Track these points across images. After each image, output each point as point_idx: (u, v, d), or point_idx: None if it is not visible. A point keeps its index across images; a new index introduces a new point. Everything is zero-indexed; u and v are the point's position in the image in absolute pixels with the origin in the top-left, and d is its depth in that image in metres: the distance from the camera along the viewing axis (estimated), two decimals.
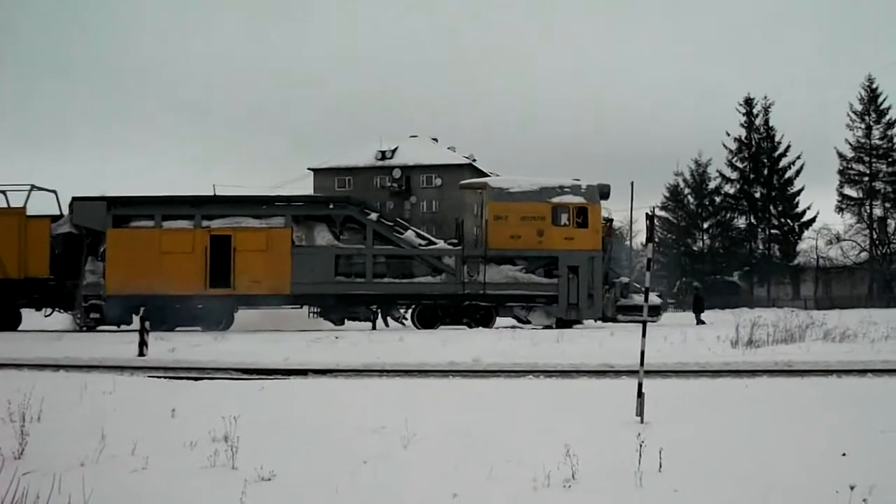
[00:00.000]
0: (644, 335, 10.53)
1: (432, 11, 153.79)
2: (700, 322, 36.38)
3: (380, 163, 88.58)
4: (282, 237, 31.39)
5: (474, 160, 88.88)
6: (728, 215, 75.92)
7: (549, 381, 14.68)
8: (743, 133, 74.44)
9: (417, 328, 31.22)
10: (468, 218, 35.09)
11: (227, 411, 9.05)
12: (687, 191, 77.03)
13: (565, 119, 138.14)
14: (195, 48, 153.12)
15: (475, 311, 31.83)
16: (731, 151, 74.46)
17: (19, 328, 31.85)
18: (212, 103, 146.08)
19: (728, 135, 74.25)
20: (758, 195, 74.05)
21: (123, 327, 30.95)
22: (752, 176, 74.08)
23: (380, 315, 32.26)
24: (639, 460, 7.17)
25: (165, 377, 15.64)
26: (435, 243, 33.29)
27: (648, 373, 10.82)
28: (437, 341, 22.80)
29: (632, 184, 70.59)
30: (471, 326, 31.13)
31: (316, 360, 18.14)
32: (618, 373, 15.37)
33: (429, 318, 31.98)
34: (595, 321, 32.53)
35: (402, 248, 32.17)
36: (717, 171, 75.26)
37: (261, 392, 12.99)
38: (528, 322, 31.99)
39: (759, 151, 74.26)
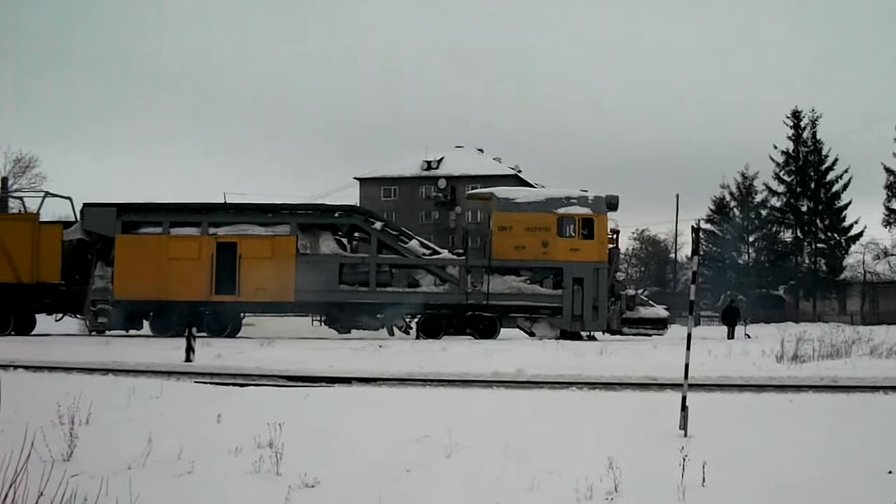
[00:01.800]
0: (688, 348, 10.47)
1: (476, 20, 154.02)
2: (732, 336, 35.66)
3: (425, 173, 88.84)
4: (286, 245, 31.49)
5: (520, 171, 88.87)
6: (774, 229, 75.23)
7: (593, 392, 14.65)
8: (790, 146, 73.75)
9: (422, 338, 31.11)
10: (474, 228, 34.82)
11: (272, 418, 9.11)
12: (733, 204, 76.48)
13: (612, 130, 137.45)
14: (240, 54, 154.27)
15: (479, 321, 31.70)
16: (777, 164, 73.79)
17: (33, 332, 32.38)
18: (257, 110, 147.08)
19: (775, 148, 73.65)
20: (804, 209, 73.29)
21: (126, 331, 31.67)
22: (798, 189, 73.34)
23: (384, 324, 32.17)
24: (682, 474, 7.14)
25: (211, 383, 15.76)
26: (439, 253, 33.36)
27: (692, 386, 10.76)
28: (480, 351, 22.78)
29: (677, 196, 70.59)
30: (475, 337, 30.94)
31: (360, 369, 18.19)
32: (661, 386, 15.28)
33: (433, 327, 31.85)
34: (603, 333, 32.13)
35: (406, 257, 32.21)
36: (764, 184, 74.69)
37: (305, 399, 13.07)
38: (532, 334, 31.76)
39: (807, 165, 73.48)
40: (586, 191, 32.84)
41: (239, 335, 31.29)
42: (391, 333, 31.83)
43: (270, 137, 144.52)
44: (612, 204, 32.30)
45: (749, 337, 35.33)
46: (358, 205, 34.59)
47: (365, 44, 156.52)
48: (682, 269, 78.67)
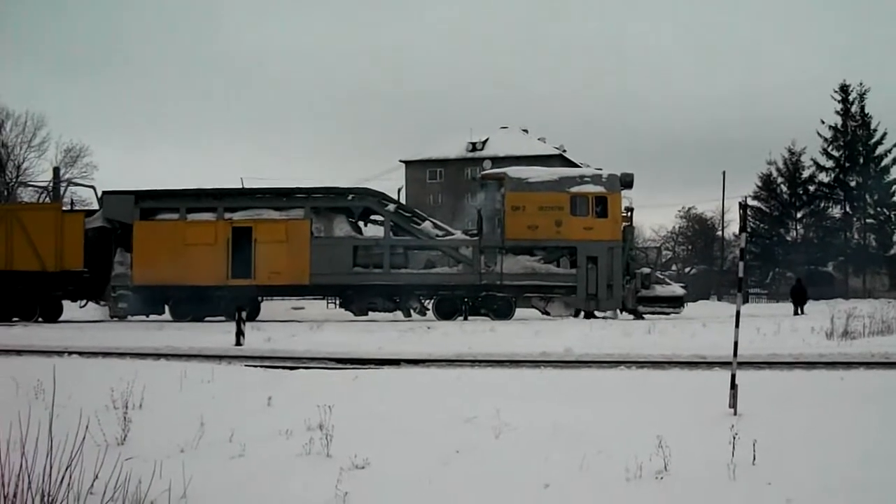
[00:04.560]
0: (737, 326, 10.39)
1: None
2: (798, 313, 35.55)
3: (470, 154, 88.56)
4: (301, 228, 31.85)
5: (564, 151, 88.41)
6: (822, 205, 74.04)
7: (642, 371, 14.56)
8: (838, 121, 72.43)
9: (437, 319, 31.04)
10: (488, 208, 34.77)
11: (322, 400, 9.18)
12: (780, 180, 75.36)
13: (656, 108, 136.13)
14: (285, 39, 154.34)
15: (493, 301, 31.68)
16: (825, 140, 72.34)
17: (60, 319, 32.91)
18: (300, 96, 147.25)
19: (823, 122, 72.31)
20: (853, 184, 71.99)
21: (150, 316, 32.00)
22: (847, 164, 72.03)
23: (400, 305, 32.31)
24: (732, 452, 7.13)
25: (262, 366, 15.89)
26: (453, 234, 33.42)
27: (742, 364, 10.68)
28: (529, 332, 22.79)
29: (724, 173, 69.97)
30: (490, 318, 30.75)
31: (408, 350, 18.26)
32: (710, 364, 15.14)
33: (448, 309, 31.89)
34: (621, 312, 31.93)
35: (419, 238, 32.38)
36: (812, 159, 73.40)
37: (355, 381, 13.14)
38: (547, 313, 31.66)
39: (855, 139, 72.14)
40: (601, 169, 32.89)
41: (288, 319, 31.46)
42: (407, 315, 31.93)
43: (313, 122, 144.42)
44: (626, 182, 32.23)
45: (805, 313, 35.13)
46: (370, 187, 34.31)
47: (410, 25, 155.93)
48: (729, 246, 77.65)
